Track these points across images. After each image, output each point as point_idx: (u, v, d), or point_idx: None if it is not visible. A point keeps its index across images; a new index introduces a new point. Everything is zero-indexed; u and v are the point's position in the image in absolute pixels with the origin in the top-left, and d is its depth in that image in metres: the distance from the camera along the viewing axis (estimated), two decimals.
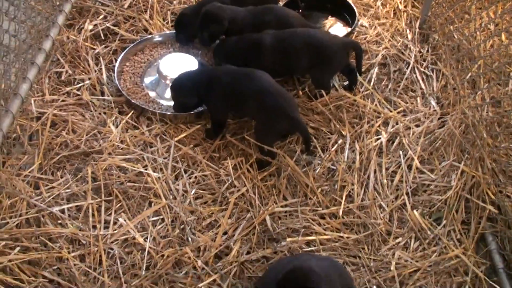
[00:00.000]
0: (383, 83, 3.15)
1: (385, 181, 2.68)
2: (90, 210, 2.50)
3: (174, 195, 2.57)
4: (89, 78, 3.06)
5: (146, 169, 2.64)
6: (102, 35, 3.30)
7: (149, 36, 3.30)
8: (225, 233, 2.46)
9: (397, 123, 2.93)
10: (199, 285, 2.29)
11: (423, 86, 3.14)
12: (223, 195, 2.59)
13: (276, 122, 2.65)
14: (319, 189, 2.62)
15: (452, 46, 3.21)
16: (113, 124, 2.85)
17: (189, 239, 2.43)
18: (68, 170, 2.66)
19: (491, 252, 2.44)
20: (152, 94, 3.06)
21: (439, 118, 2.96)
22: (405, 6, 3.60)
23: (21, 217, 2.43)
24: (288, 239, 2.43)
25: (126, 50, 3.18)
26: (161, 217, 2.50)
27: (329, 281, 1.92)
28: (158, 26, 3.37)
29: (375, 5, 3.61)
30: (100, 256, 2.35)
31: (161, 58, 3.16)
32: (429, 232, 2.50)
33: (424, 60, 3.28)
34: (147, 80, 3.13)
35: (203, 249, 2.39)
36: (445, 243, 2.45)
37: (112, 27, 3.33)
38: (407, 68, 3.22)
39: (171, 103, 2.88)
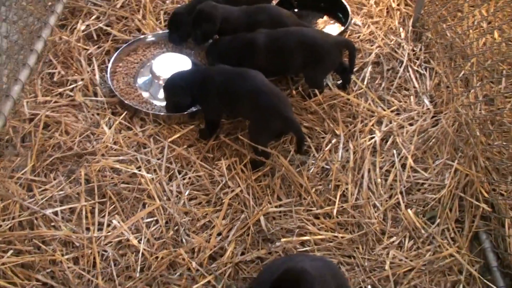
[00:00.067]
0: (376, 81, 3.16)
1: (379, 180, 2.68)
2: (84, 212, 2.48)
3: (168, 196, 2.57)
4: (82, 79, 3.05)
5: (139, 170, 2.63)
6: (94, 35, 3.28)
7: (142, 36, 3.29)
8: (219, 234, 2.46)
9: (390, 122, 2.93)
10: (194, 287, 2.28)
11: (416, 85, 3.14)
12: (217, 195, 2.58)
13: (270, 122, 2.65)
14: (313, 189, 2.62)
15: (445, 44, 3.22)
16: (106, 125, 2.84)
17: (183, 240, 2.42)
18: (61, 172, 2.65)
19: (485, 251, 2.45)
20: (145, 94, 3.05)
21: (432, 117, 2.97)
22: (398, 5, 3.60)
23: (14, 219, 2.42)
24: (283, 240, 2.43)
25: (119, 51, 3.17)
26: (155, 218, 2.49)
27: (323, 281, 1.92)
28: (151, 26, 3.36)
29: (368, 3, 3.61)
30: (94, 258, 2.34)
31: (154, 58, 3.15)
32: (423, 231, 2.50)
33: (417, 59, 3.28)
34: (140, 80, 3.12)
35: (198, 250, 2.39)
36: (439, 242, 2.46)
37: (104, 27, 3.32)
38: (400, 67, 3.22)
39: (165, 103, 2.87)
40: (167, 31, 3.25)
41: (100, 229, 2.45)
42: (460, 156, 2.72)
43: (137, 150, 2.74)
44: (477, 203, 2.54)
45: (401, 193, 2.64)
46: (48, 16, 3.17)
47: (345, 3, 3.44)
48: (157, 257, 2.35)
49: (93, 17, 3.36)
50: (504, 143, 2.68)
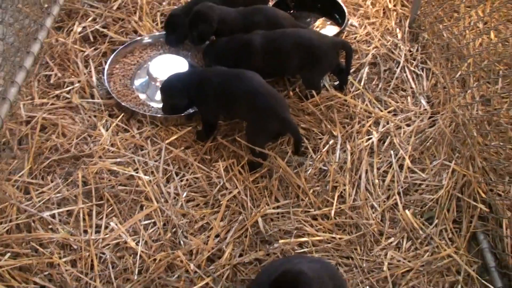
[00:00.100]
0: (373, 82, 3.16)
1: (376, 181, 2.68)
2: (81, 215, 2.48)
3: (165, 198, 2.56)
4: (79, 81, 3.04)
5: (137, 172, 2.63)
6: (91, 37, 3.28)
7: (139, 37, 3.29)
8: (217, 235, 2.45)
9: (388, 123, 2.93)
10: None
11: (413, 85, 3.14)
12: (215, 197, 2.58)
13: (267, 123, 2.65)
14: (311, 190, 2.62)
15: (442, 45, 3.22)
16: (104, 127, 2.84)
17: (181, 242, 2.42)
18: (58, 174, 2.64)
19: (483, 251, 2.45)
20: (142, 96, 3.05)
21: (429, 117, 2.97)
22: (394, 5, 3.61)
23: (11, 222, 2.41)
24: (281, 241, 2.43)
25: (115, 52, 3.17)
26: (153, 220, 2.49)
27: (321, 283, 1.92)
28: (148, 27, 3.35)
29: (365, 4, 3.62)
30: (92, 261, 2.33)
31: (151, 60, 3.14)
32: (421, 232, 2.50)
33: (414, 59, 3.29)
34: (137, 82, 3.12)
35: (196, 252, 2.39)
36: (437, 243, 2.46)
37: (101, 29, 3.32)
38: (397, 68, 3.22)
39: (161, 105, 2.87)
40: (164, 33, 3.24)
41: (97, 232, 2.44)
42: (458, 157, 2.72)
43: (134, 152, 2.74)
44: (474, 203, 2.54)
45: (398, 194, 2.64)
46: (44, 18, 3.16)
47: (342, 4, 3.45)
48: (155, 259, 2.34)
49: (90, 19, 3.36)
50: (501, 144, 2.68)
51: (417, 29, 3.43)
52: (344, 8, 3.42)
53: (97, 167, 2.62)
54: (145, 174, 2.63)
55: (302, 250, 2.42)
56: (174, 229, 2.46)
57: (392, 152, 2.80)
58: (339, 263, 2.39)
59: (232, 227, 2.48)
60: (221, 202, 2.55)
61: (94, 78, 3.07)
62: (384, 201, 2.62)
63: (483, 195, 2.55)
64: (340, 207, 2.57)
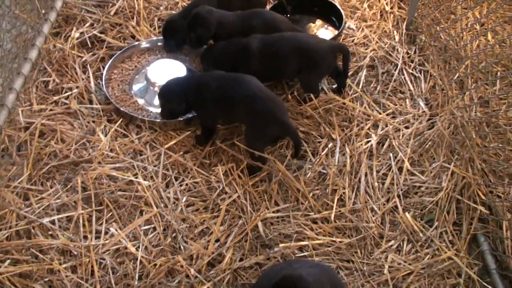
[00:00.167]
0: (371, 85, 3.16)
1: (376, 184, 2.68)
2: (81, 220, 2.47)
3: (165, 203, 2.56)
4: (77, 87, 3.04)
5: (136, 178, 2.62)
6: (89, 42, 3.28)
7: (137, 42, 3.28)
8: (217, 240, 2.45)
9: (386, 125, 2.93)
10: None
11: (411, 88, 3.15)
12: (215, 202, 2.58)
13: (266, 127, 2.65)
14: (311, 194, 2.62)
15: (439, 47, 3.23)
16: (102, 133, 2.83)
17: (181, 247, 2.41)
18: (57, 180, 2.64)
19: (484, 253, 2.45)
20: (140, 101, 3.04)
21: (428, 119, 2.98)
22: (391, 8, 3.61)
23: (11, 229, 2.41)
24: (281, 245, 2.42)
25: (113, 58, 3.17)
26: (153, 225, 2.49)
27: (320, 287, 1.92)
28: (145, 32, 3.35)
29: (362, 7, 3.62)
30: (92, 266, 2.33)
31: (149, 65, 3.14)
32: (421, 234, 2.50)
33: (412, 62, 3.29)
34: (136, 87, 3.12)
35: (196, 257, 2.38)
36: (437, 245, 2.46)
37: (99, 34, 3.32)
38: (395, 70, 3.23)
39: (160, 110, 2.86)
40: (162, 37, 3.23)
41: (97, 237, 2.44)
42: (457, 159, 2.72)
43: (133, 157, 2.74)
44: (474, 205, 2.54)
45: (398, 196, 2.64)
46: (41, 24, 3.16)
47: (339, 7, 3.45)
48: (155, 265, 2.34)
49: (87, 25, 3.36)
50: (500, 145, 2.69)
51: (414, 31, 3.43)
52: (342, 11, 3.42)
53: (96, 173, 2.62)
54: (144, 179, 2.63)
55: (302, 254, 2.42)
56: (174, 234, 2.45)
57: (391, 154, 2.80)
58: (339, 267, 2.39)
59: (232, 231, 2.47)
60: (220, 207, 2.54)
61: (92, 84, 3.07)
62: (384, 204, 2.62)
63: (483, 197, 2.55)
64: (340, 211, 2.57)
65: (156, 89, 2.99)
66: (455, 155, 2.74)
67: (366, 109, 3.00)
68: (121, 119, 2.89)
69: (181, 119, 2.86)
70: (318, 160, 2.76)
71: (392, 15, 3.57)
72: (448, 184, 2.64)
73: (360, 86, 3.12)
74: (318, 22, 3.54)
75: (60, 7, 3.37)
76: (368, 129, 2.91)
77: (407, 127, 2.94)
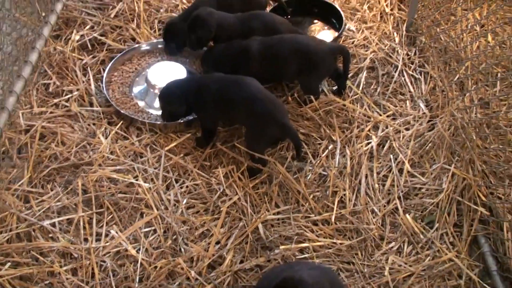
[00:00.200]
0: (371, 87, 3.16)
1: (376, 185, 2.68)
2: (81, 223, 2.47)
3: (165, 205, 2.56)
4: (77, 89, 3.04)
5: (137, 180, 2.63)
6: (89, 45, 3.28)
7: (137, 45, 3.29)
8: (217, 242, 2.45)
9: (387, 127, 2.93)
10: None
11: (411, 89, 3.15)
12: (215, 204, 2.58)
13: (266, 129, 2.65)
14: (311, 196, 2.62)
15: (439, 48, 3.23)
16: (103, 135, 2.84)
17: (182, 249, 2.41)
18: (58, 182, 2.64)
19: (484, 255, 2.45)
20: (141, 103, 3.04)
21: (428, 121, 2.97)
22: (391, 9, 3.61)
23: (11, 231, 2.41)
24: (281, 247, 2.42)
25: (113, 60, 3.17)
26: (153, 228, 2.48)
27: None
28: (146, 35, 3.36)
29: (362, 9, 3.62)
30: (93, 269, 2.33)
31: (149, 67, 3.14)
32: (421, 236, 2.50)
33: (412, 63, 3.29)
34: (136, 89, 3.12)
35: (196, 259, 2.38)
36: (438, 247, 2.46)
37: (99, 37, 3.32)
38: (395, 72, 3.23)
39: (160, 112, 2.87)
40: (163, 40, 3.23)
41: (98, 240, 2.44)
42: (457, 160, 2.72)
43: (134, 160, 2.74)
44: (475, 207, 2.54)
45: (399, 198, 2.64)
46: (42, 27, 3.17)
47: (339, 9, 3.45)
48: (155, 267, 2.34)
49: (88, 27, 3.36)
50: (501, 146, 2.69)
51: (414, 32, 3.43)
52: (342, 13, 3.43)
53: (97, 175, 2.62)
54: (145, 182, 2.63)
55: (303, 256, 2.42)
56: (175, 236, 2.45)
57: (391, 156, 2.80)
58: (340, 269, 2.39)
59: (232, 233, 2.47)
60: (221, 209, 2.54)
61: (92, 86, 3.07)
62: (385, 206, 2.61)
63: (484, 199, 2.55)
64: (340, 212, 2.57)
65: (157, 91, 2.99)
66: (456, 157, 2.74)
67: (367, 111, 3.00)
68: (121, 122, 2.90)
69: (182, 121, 2.86)
70: (318, 162, 2.76)
71: (392, 17, 3.57)
72: (448, 185, 2.64)
73: (360, 88, 3.12)
74: (318, 24, 3.54)
75: (61, 10, 3.38)
76: (369, 130, 2.91)
77: (407, 129, 2.94)
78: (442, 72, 3.14)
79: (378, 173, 2.73)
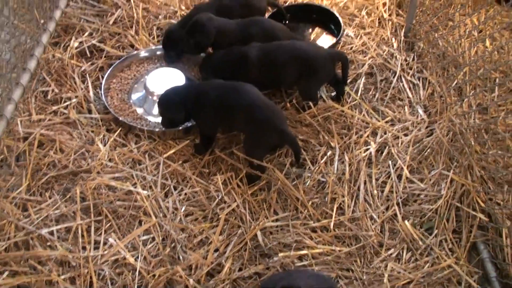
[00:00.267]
0: (370, 92, 3.16)
1: (375, 192, 2.67)
2: (80, 231, 2.47)
3: (164, 213, 2.56)
4: (76, 96, 3.04)
5: (135, 187, 2.62)
6: (88, 52, 3.28)
7: (135, 52, 3.29)
8: (216, 250, 2.44)
9: (385, 133, 2.93)
10: None
11: (410, 95, 3.15)
12: (214, 211, 2.57)
13: (265, 135, 2.65)
14: (310, 202, 2.61)
15: (438, 53, 3.23)
16: (101, 142, 2.83)
17: (180, 257, 2.41)
18: (56, 190, 2.64)
19: (483, 261, 2.44)
20: (139, 110, 3.04)
21: (427, 127, 2.97)
22: (389, 15, 3.62)
23: (9, 240, 2.40)
24: (280, 254, 2.42)
25: (112, 67, 3.17)
26: (152, 235, 2.48)
27: None
28: (144, 41, 3.36)
29: (360, 14, 3.63)
30: (91, 278, 2.32)
31: (148, 74, 3.14)
32: (420, 243, 2.49)
33: (410, 69, 3.29)
34: (134, 96, 3.12)
35: (195, 267, 2.38)
36: (437, 253, 2.45)
37: (98, 43, 3.32)
38: (393, 77, 3.23)
39: (159, 119, 2.86)
40: (162, 48, 3.23)
41: (96, 248, 2.43)
42: (456, 166, 2.72)
43: (132, 167, 2.74)
44: (474, 213, 2.54)
45: (397, 204, 2.63)
46: (40, 34, 3.17)
47: (337, 15, 3.46)
48: (154, 275, 2.33)
49: (86, 34, 3.37)
50: (499, 152, 2.68)
51: (412, 38, 3.44)
52: (340, 18, 3.43)
53: (95, 183, 2.62)
54: (143, 189, 2.63)
55: (302, 263, 2.41)
56: (173, 244, 2.45)
57: (390, 162, 2.80)
58: (339, 276, 2.38)
59: (231, 241, 2.47)
60: (219, 216, 2.54)
61: (91, 93, 3.07)
62: (383, 212, 2.61)
63: (482, 205, 2.55)
64: (339, 219, 2.56)
65: (155, 98, 2.99)
66: (454, 162, 2.74)
67: (365, 117, 2.99)
68: (120, 129, 2.89)
69: (180, 128, 2.86)
70: (317, 168, 2.76)
71: (390, 23, 3.57)
72: (447, 191, 2.64)
73: (359, 94, 3.12)
74: (317, 29, 3.54)
75: (59, 17, 3.38)
76: (367, 136, 2.90)
77: (406, 135, 2.94)
78: (440, 77, 3.14)
79: (376, 179, 2.73)
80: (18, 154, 2.74)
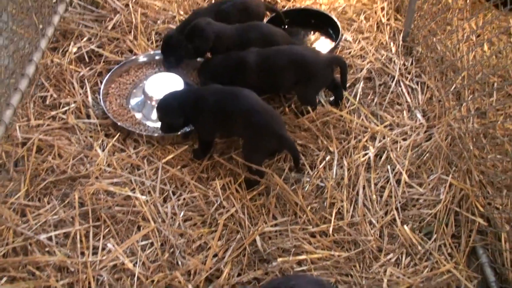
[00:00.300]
0: (368, 97, 3.16)
1: (374, 196, 2.67)
2: (78, 236, 2.46)
3: (162, 218, 2.55)
4: (75, 102, 3.04)
5: (134, 193, 2.62)
6: (86, 57, 3.28)
7: (134, 57, 3.29)
8: (215, 255, 2.44)
9: (384, 138, 2.93)
10: None
11: (408, 99, 3.15)
12: (212, 216, 2.57)
13: (263, 140, 2.65)
14: (309, 207, 2.61)
15: (436, 58, 3.23)
16: (100, 148, 2.83)
17: (179, 262, 2.40)
18: (55, 196, 2.63)
19: (483, 266, 2.44)
20: (138, 115, 3.04)
21: (425, 131, 2.97)
22: (388, 20, 3.62)
23: (7, 246, 2.39)
24: (279, 259, 2.41)
25: (111, 72, 3.17)
26: (150, 241, 2.48)
27: None
28: (143, 46, 3.36)
29: (359, 19, 3.63)
30: (89, 283, 2.31)
31: (147, 79, 3.15)
32: (420, 247, 2.49)
33: (409, 73, 3.29)
34: (133, 101, 3.12)
35: (194, 272, 2.37)
36: (436, 258, 2.45)
37: (96, 49, 3.33)
38: (392, 82, 3.23)
39: (158, 124, 2.87)
40: (161, 53, 3.23)
41: (94, 253, 2.43)
42: (454, 170, 2.72)
43: (131, 172, 2.73)
44: (473, 217, 2.54)
45: (396, 209, 2.63)
46: (39, 40, 3.17)
47: (336, 19, 3.46)
48: (152, 281, 2.33)
49: (85, 39, 3.37)
50: (498, 156, 2.68)
51: (411, 42, 3.44)
52: (338, 23, 3.44)
53: (94, 188, 2.61)
54: (142, 194, 2.62)
55: (301, 268, 2.40)
56: (172, 249, 2.44)
57: (389, 167, 2.80)
58: (338, 281, 2.38)
59: (230, 246, 2.46)
60: (218, 221, 2.54)
61: (90, 98, 3.07)
62: (382, 217, 2.61)
63: (481, 209, 2.55)
64: (338, 224, 2.56)
65: (154, 103, 2.99)
66: (453, 167, 2.74)
67: (364, 122, 3.00)
68: (118, 134, 2.89)
69: (179, 133, 2.86)
70: (316, 173, 2.76)
71: (388, 27, 3.58)
72: (446, 196, 2.64)
73: (357, 98, 3.12)
74: (316, 35, 3.54)
75: (58, 22, 3.38)
76: (366, 141, 2.90)
77: (404, 139, 2.94)
78: (438, 82, 3.15)
79: (375, 184, 2.73)
80: (17, 160, 2.74)
